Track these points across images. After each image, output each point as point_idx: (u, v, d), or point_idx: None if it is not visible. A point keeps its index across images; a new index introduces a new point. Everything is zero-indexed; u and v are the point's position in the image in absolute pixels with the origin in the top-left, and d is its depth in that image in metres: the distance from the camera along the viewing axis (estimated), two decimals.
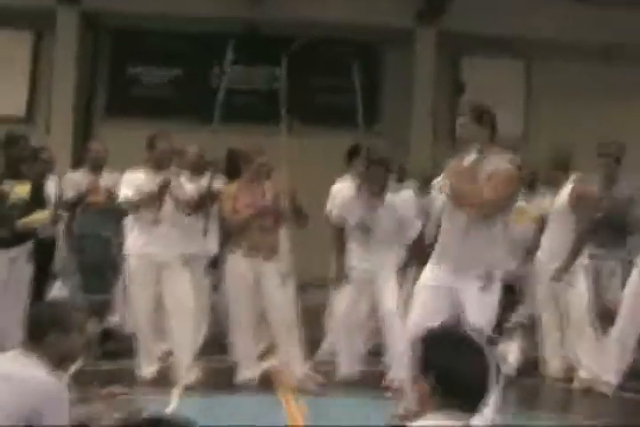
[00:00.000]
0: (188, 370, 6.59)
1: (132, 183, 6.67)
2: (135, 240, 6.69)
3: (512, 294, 7.50)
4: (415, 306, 5.36)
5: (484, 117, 5.31)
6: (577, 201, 6.92)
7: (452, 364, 2.44)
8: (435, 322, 5.14)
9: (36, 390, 3.23)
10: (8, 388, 3.22)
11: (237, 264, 6.58)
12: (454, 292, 5.20)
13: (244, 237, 6.58)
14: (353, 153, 8.02)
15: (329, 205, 7.95)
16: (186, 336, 6.66)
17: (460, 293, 5.19)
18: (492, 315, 5.21)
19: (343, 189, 7.81)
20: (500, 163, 5.15)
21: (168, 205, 6.73)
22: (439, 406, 2.43)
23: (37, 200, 7.32)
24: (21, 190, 7.20)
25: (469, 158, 5.20)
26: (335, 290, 7.15)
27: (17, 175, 7.25)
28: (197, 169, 7.77)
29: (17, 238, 7.12)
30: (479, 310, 5.16)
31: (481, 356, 2.48)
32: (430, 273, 5.33)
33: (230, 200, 6.62)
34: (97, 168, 8.00)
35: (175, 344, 6.70)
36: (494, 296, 5.20)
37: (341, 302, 6.85)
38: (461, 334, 2.60)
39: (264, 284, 6.58)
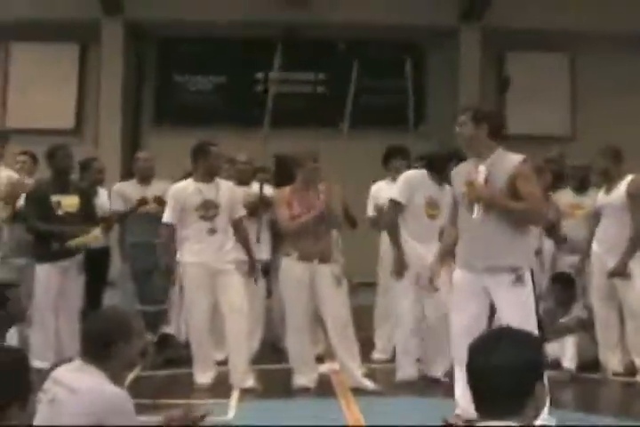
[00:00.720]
0: (245, 375, 6.60)
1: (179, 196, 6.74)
2: (190, 249, 6.72)
3: (570, 289, 7.43)
4: (454, 311, 5.43)
5: (479, 116, 5.30)
6: (636, 195, 6.86)
7: (481, 367, 2.35)
8: (478, 325, 5.18)
9: (103, 401, 3.25)
10: (74, 400, 3.24)
11: (293, 268, 6.58)
12: (487, 291, 5.28)
13: (300, 241, 6.58)
14: (390, 155, 8.00)
15: (370, 207, 7.98)
16: (242, 340, 6.68)
17: (491, 291, 5.26)
18: (528, 310, 5.20)
19: (383, 189, 7.87)
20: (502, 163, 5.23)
21: (223, 214, 6.76)
22: (481, 410, 2.34)
23: (87, 213, 7.41)
24: (69, 203, 7.29)
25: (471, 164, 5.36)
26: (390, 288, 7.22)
27: (64, 188, 7.34)
28: (247, 177, 7.82)
29: (67, 251, 7.22)
30: (513, 307, 5.18)
31: (514, 356, 2.34)
32: (460, 276, 5.39)
33: (285, 206, 6.62)
34: (146, 178, 8.02)
35: (231, 349, 6.72)
36: (528, 291, 5.22)
37: (403, 302, 6.80)
38: (496, 336, 2.46)
39: (319, 286, 6.57)
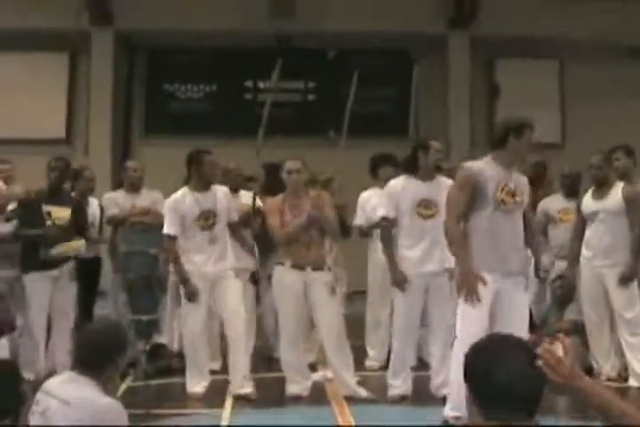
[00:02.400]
0: (244, 380, 6.59)
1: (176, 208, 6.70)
2: (191, 259, 6.71)
3: (568, 290, 7.42)
4: (462, 316, 5.44)
5: None
6: (634, 201, 6.94)
7: (483, 373, 2.32)
8: (483, 329, 5.20)
9: (95, 412, 3.23)
10: (66, 411, 3.22)
11: (286, 276, 6.57)
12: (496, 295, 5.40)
13: (292, 249, 6.57)
14: (377, 163, 7.99)
15: (359, 216, 7.96)
16: (241, 345, 6.66)
17: (502, 295, 5.39)
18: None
19: (371, 198, 7.84)
20: None
21: (221, 221, 6.76)
22: (482, 417, 2.32)
23: (78, 225, 7.39)
24: (60, 215, 7.27)
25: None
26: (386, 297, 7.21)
27: (59, 199, 7.32)
28: (237, 185, 7.80)
29: (56, 260, 7.19)
30: (524, 311, 5.31)
31: (518, 362, 2.32)
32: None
33: (277, 214, 6.61)
34: (135, 187, 8.02)
35: (231, 353, 6.69)
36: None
37: (401, 310, 6.69)
38: (500, 342, 2.43)
39: (313, 294, 6.56)
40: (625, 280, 6.90)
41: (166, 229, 6.70)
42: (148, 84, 13.48)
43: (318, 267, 6.59)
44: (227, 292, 6.71)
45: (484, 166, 5.51)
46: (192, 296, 6.63)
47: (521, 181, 5.66)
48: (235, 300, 6.72)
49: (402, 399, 6.47)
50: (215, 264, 6.71)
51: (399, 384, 6.48)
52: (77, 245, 7.35)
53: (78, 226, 7.40)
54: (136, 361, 7.18)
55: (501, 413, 2.27)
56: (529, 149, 5.60)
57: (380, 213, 6.67)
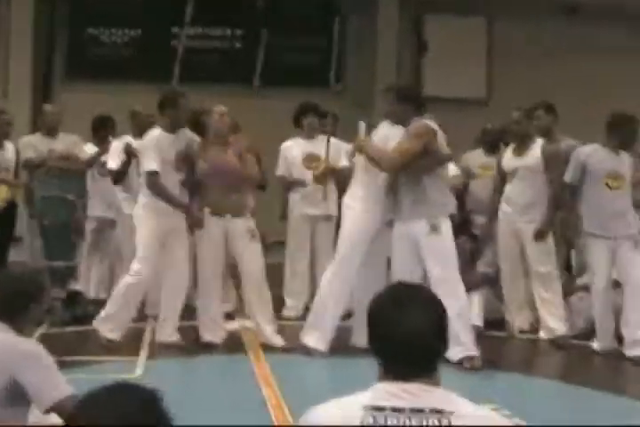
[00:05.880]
0: (173, 329, 6.61)
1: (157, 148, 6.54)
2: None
3: (475, 244, 7.52)
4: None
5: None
6: (552, 159, 7.03)
7: (378, 328, 2.22)
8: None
9: (15, 355, 3.19)
10: None
11: (206, 223, 6.54)
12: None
13: (211, 195, 6.53)
14: (302, 112, 7.93)
15: (281, 165, 7.94)
16: (179, 296, 6.65)
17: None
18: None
19: (293, 147, 7.84)
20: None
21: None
22: (381, 377, 2.20)
23: None
24: None
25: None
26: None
27: None
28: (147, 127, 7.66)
29: None
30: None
31: (415, 312, 2.17)
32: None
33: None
34: (52, 131, 7.87)
35: (166, 303, 6.66)
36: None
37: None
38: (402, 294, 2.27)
39: (234, 240, 6.56)
40: (540, 234, 7.01)
41: (148, 166, 6.52)
42: (71, 29, 13.11)
43: (238, 214, 6.59)
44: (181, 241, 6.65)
45: None
46: (199, 223, 6.53)
47: None
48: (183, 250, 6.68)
49: None
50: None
51: None
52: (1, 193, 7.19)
53: None
54: (52, 308, 7.08)
55: (398, 368, 2.19)
56: None
57: None
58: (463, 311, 5.99)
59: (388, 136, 6.25)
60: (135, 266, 6.52)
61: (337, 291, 6.32)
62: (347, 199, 6.53)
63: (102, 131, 8.05)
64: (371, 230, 6.32)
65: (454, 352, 5.81)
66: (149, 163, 6.54)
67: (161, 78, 11.66)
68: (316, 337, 6.37)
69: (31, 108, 12.06)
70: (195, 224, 6.55)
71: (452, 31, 13.20)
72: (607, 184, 6.66)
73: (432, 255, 6.04)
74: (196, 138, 6.75)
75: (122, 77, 12.27)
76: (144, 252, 6.52)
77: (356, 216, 6.35)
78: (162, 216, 6.55)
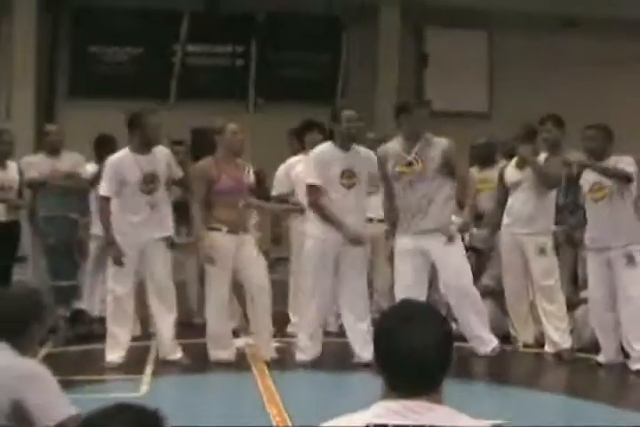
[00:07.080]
0: (173, 347, 6.59)
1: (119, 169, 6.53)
2: (129, 219, 6.56)
3: (480, 258, 7.52)
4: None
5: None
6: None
7: (383, 344, 2.22)
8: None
9: (17, 376, 3.17)
10: None
11: (221, 241, 6.50)
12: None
13: (227, 215, 6.53)
14: (305, 129, 7.92)
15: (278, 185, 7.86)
16: (170, 314, 6.63)
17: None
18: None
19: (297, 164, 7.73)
20: None
21: (162, 186, 6.67)
22: (385, 395, 2.18)
23: None
24: None
25: None
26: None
27: None
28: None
29: None
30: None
31: (421, 329, 2.19)
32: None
33: (209, 178, 6.54)
34: (55, 151, 7.91)
35: (160, 322, 6.64)
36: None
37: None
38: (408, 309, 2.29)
39: (242, 253, 6.56)
40: (540, 252, 6.99)
41: (102, 191, 6.54)
42: (73, 46, 13.14)
43: (247, 229, 6.74)
44: (156, 261, 6.61)
45: None
46: (117, 260, 6.50)
47: None
48: (163, 269, 6.65)
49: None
50: (152, 231, 6.59)
51: None
52: None
53: None
54: (56, 327, 7.09)
55: (401, 384, 2.18)
56: None
57: (306, 180, 6.72)
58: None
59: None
60: (109, 284, 6.60)
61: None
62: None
63: (104, 150, 8.06)
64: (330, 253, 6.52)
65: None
66: (102, 187, 6.55)
67: (164, 95, 11.71)
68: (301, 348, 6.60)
69: (34, 128, 12.09)
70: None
71: (452, 44, 13.23)
72: (591, 197, 6.63)
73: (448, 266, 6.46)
74: (168, 155, 6.76)
75: (125, 95, 12.28)
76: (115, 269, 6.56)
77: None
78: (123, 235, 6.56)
